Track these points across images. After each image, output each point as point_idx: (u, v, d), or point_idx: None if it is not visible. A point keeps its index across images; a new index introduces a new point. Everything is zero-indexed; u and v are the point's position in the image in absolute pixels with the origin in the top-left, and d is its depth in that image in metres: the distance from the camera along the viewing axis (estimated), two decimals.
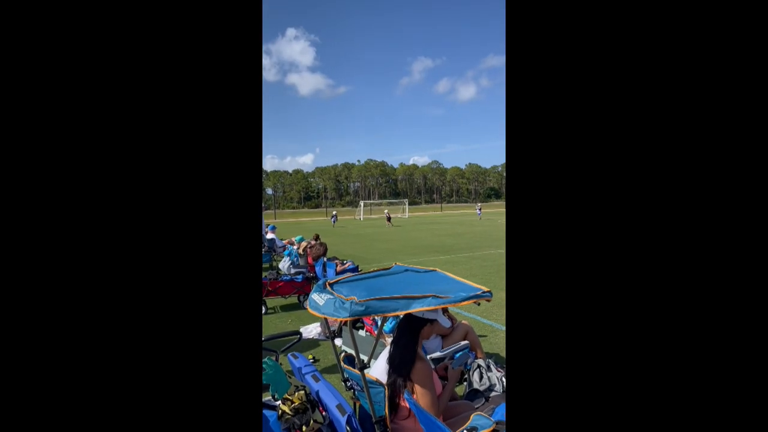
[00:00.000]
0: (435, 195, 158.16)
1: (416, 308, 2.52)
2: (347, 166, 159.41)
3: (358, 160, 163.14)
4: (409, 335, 3.03)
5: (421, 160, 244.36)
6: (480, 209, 42.58)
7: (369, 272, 3.21)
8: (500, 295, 8.22)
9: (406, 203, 57.29)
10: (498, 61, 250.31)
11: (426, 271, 3.57)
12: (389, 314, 2.43)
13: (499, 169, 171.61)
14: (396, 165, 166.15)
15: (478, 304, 5.46)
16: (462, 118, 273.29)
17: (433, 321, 3.13)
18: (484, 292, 2.84)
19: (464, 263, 12.30)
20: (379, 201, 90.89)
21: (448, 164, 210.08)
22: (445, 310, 4.71)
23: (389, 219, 33.04)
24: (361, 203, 57.44)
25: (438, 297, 2.59)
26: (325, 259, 8.01)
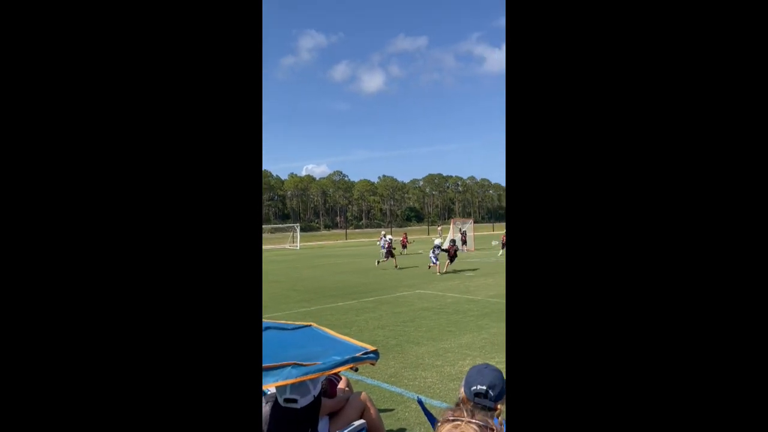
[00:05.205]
0: (338, 218, 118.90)
1: (271, 383, 1.88)
2: None
3: None
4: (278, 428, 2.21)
5: (319, 170, 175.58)
6: (385, 236, 22.53)
7: None
8: (417, 351, 6.28)
9: (297, 229, 42.94)
10: (410, 44, 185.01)
11: (296, 328, 2.84)
12: None
13: (420, 184, 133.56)
14: (284, 176, 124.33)
15: (356, 370, 4.15)
16: (370, 117, 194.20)
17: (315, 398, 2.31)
18: (367, 353, 2.21)
19: (371, 310, 9.50)
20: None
21: (355, 176, 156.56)
22: (336, 378, 3.26)
23: None
24: None
25: (300, 365, 1.97)
26: None
